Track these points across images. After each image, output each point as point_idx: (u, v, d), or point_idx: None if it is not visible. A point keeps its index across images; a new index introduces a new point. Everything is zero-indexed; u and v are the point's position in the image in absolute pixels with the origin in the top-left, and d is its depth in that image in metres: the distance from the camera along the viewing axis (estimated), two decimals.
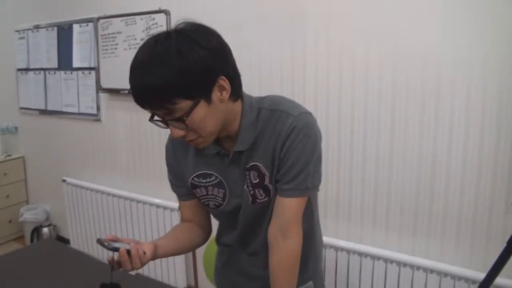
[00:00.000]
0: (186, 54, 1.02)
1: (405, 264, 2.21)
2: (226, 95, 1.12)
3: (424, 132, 2.13)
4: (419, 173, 2.18)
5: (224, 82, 1.10)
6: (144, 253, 1.18)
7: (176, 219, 3.03)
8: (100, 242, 1.12)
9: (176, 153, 1.37)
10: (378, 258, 2.29)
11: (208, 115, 1.10)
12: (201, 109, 1.08)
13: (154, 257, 1.24)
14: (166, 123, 1.12)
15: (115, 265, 1.15)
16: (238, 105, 1.21)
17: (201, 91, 1.07)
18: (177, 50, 1.02)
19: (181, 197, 1.43)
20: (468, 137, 2.04)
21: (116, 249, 1.12)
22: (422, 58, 2.08)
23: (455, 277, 2.10)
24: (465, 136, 2.04)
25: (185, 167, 1.35)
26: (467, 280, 2.07)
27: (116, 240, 1.17)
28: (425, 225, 2.21)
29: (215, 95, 1.10)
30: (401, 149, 2.21)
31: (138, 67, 1.05)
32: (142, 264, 1.18)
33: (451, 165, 2.09)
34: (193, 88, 1.05)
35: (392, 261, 2.25)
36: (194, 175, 1.33)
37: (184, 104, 1.05)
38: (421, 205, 2.20)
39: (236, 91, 1.17)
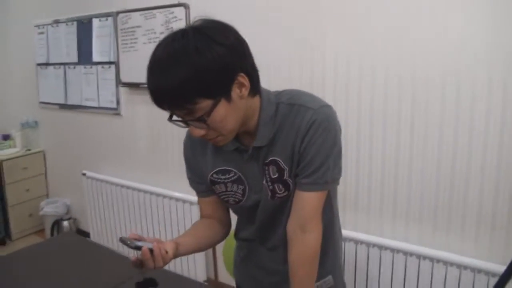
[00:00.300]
0: (204, 52, 1.00)
1: (425, 257, 2.20)
2: (245, 91, 1.10)
3: (444, 123, 2.11)
4: (439, 166, 2.16)
5: (243, 79, 1.08)
6: (166, 252, 1.16)
7: (195, 212, 3.04)
8: (122, 240, 1.11)
9: (194, 150, 1.36)
10: (398, 251, 2.28)
11: (228, 113, 1.08)
12: (222, 108, 1.06)
13: (176, 255, 1.23)
14: (186, 122, 1.11)
15: (138, 263, 1.14)
16: (256, 101, 1.19)
17: (221, 89, 1.05)
18: (195, 48, 1.00)
19: (200, 193, 1.42)
20: (488, 128, 2.01)
21: (138, 248, 1.11)
22: (441, 51, 2.06)
23: (475, 270, 2.09)
24: (485, 126, 2.02)
25: (204, 163, 1.34)
26: (487, 273, 2.06)
27: (138, 238, 1.16)
28: (445, 218, 2.19)
29: (235, 92, 1.08)
30: (421, 140, 2.19)
31: (156, 67, 1.03)
32: (165, 263, 1.17)
33: (471, 157, 2.07)
34: (213, 86, 1.03)
35: (412, 254, 2.24)
36: (213, 172, 1.31)
37: (204, 104, 1.03)
38: (441, 198, 2.18)
39: (255, 87, 1.15)
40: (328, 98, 2.31)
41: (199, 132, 1.11)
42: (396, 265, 2.28)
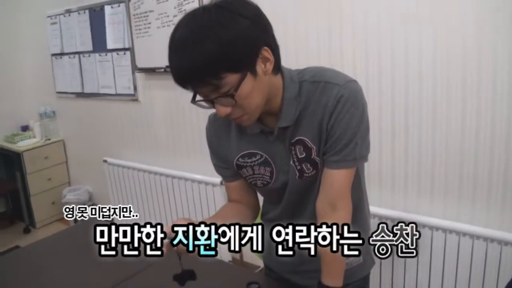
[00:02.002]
0: (229, 25, 0.99)
1: (451, 231, 2.18)
2: (270, 66, 1.09)
3: (467, 96, 2.08)
4: (463, 139, 2.13)
5: (267, 53, 1.07)
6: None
7: (218, 194, 3.07)
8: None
9: (218, 135, 1.35)
10: (424, 226, 2.26)
11: (254, 89, 1.07)
12: (248, 83, 1.05)
13: None
14: (211, 101, 1.09)
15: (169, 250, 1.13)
16: (279, 79, 1.18)
17: (247, 63, 1.04)
18: (219, 22, 0.99)
19: (226, 178, 1.41)
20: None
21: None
22: (461, 24, 2.03)
23: (501, 243, 2.06)
24: (508, 97, 1.99)
25: (228, 148, 1.33)
26: None
27: (188, 222, 1.12)
28: (470, 191, 2.17)
29: (259, 67, 1.07)
30: (444, 115, 2.16)
31: (180, 45, 1.02)
32: None
33: (495, 129, 2.04)
34: (239, 60, 1.02)
35: (437, 228, 2.23)
36: (238, 156, 1.30)
37: (231, 78, 1.02)
38: (465, 171, 2.15)
39: (278, 64, 1.14)
40: (347, 70, 2.32)
41: (224, 110, 1.09)
42: (422, 240, 2.25)
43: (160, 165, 3.47)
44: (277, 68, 1.15)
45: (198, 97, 1.10)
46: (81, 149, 4.36)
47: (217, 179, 3.02)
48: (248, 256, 3.11)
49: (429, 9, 2.10)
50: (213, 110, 1.15)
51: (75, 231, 2.38)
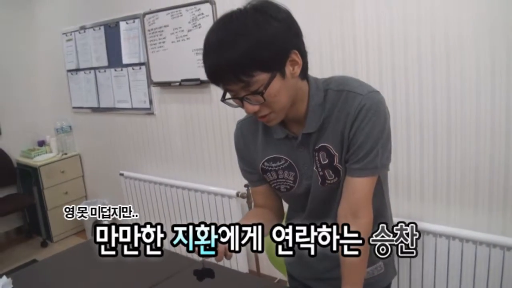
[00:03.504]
0: (264, 26, 1.05)
1: (454, 238, 2.18)
2: (298, 69, 1.14)
3: (481, 103, 2.08)
4: (492, 148, 2.11)
5: (296, 56, 1.12)
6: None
7: (234, 206, 3.08)
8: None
9: (245, 140, 1.40)
10: (428, 232, 2.27)
11: (281, 89, 1.12)
12: (277, 83, 1.09)
13: None
14: (240, 100, 1.13)
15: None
16: (305, 85, 1.22)
17: (277, 63, 1.09)
18: (254, 22, 1.05)
19: (252, 183, 1.45)
20: None
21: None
22: (473, 31, 2.03)
23: (504, 248, 2.06)
24: None
25: (255, 153, 1.37)
26: None
27: None
28: (501, 203, 2.14)
29: (288, 69, 1.12)
30: (473, 122, 2.14)
31: (216, 43, 1.07)
32: (228, 257, 1.16)
33: (493, 132, 2.06)
34: (271, 60, 1.07)
35: (441, 235, 2.24)
36: (264, 160, 1.34)
37: (261, 77, 1.07)
38: (496, 182, 2.13)
39: (305, 69, 1.18)
40: (374, 83, 2.33)
41: (252, 108, 1.13)
42: (452, 251, 2.25)
43: (176, 178, 3.50)
44: (304, 72, 1.19)
45: (227, 95, 1.15)
46: (98, 163, 4.40)
47: (233, 191, 3.04)
48: (265, 268, 3.11)
49: (444, 15, 2.11)
50: (240, 116, 1.19)
51: (92, 245, 2.38)
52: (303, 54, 1.15)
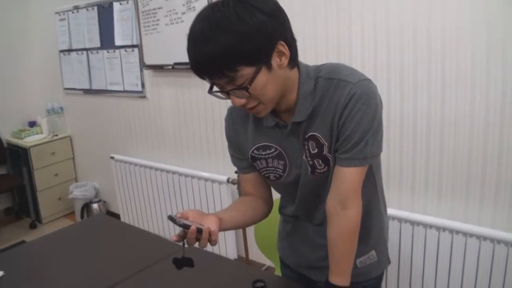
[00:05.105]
0: (246, 19, 1.01)
1: (471, 235, 2.14)
2: (285, 60, 1.11)
3: (476, 95, 2.07)
4: (486, 140, 2.10)
5: (283, 47, 1.09)
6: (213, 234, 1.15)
7: (224, 191, 3.07)
8: (171, 218, 1.12)
9: (235, 127, 1.38)
10: (430, 226, 2.25)
11: (268, 82, 1.09)
12: (263, 76, 1.07)
13: (219, 231, 1.22)
14: (226, 93, 1.11)
15: (180, 240, 1.15)
16: (295, 73, 1.19)
17: (262, 56, 1.06)
18: (236, 15, 1.01)
19: (241, 170, 1.43)
20: None
21: (186, 226, 1.12)
22: (470, 21, 2.01)
23: (508, 244, 2.04)
24: None
25: (245, 140, 1.35)
26: None
27: (186, 218, 1.16)
28: (492, 194, 2.13)
29: (275, 61, 1.09)
30: (467, 114, 2.12)
31: (198, 36, 1.04)
32: (213, 243, 1.16)
33: (503, 131, 2.03)
34: (255, 54, 1.04)
35: (444, 229, 2.22)
36: (254, 148, 1.33)
37: (246, 71, 1.04)
38: (489, 174, 2.12)
39: (294, 58, 1.15)
40: (368, 72, 2.29)
41: (239, 101, 1.11)
42: (442, 243, 2.24)
43: (167, 162, 3.48)
44: (293, 61, 1.16)
45: (214, 88, 1.12)
46: (88, 145, 4.37)
47: (223, 176, 3.02)
48: (254, 255, 3.10)
49: (441, 6, 2.08)
50: (229, 104, 1.17)
51: (81, 227, 2.39)
52: (291, 44, 1.12)
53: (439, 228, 2.23)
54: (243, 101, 1.11)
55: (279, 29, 1.07)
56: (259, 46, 1.04)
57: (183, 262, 1.20)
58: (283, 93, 1.17)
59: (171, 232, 1.06)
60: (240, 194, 1.49)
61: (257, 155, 1.33)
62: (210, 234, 1.14)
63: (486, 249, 2.11)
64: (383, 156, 1.28)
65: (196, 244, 1.16)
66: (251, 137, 1.33)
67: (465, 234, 2.16)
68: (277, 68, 1.10)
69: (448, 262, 2.24)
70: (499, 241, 2.08)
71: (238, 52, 1.02)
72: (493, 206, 2.14)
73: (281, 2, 1.14)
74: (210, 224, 1.16)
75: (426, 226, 2.27)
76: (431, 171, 2.29)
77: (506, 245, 2.06)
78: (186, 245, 1.17)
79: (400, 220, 2.35)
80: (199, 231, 1.13)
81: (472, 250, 2.15)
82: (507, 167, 2.06)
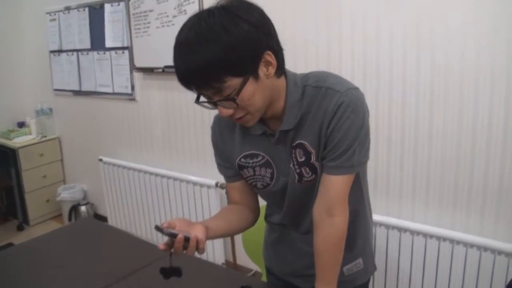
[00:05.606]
0: (231, 30, 1.00)
1: (458, 242, 2.15)
2: (272, 70, 1.10)
3: (464, 101, 2.08)
4: (473, 149, 2.10)
5: (269, 57, 1.08)
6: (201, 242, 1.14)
7: (212, 196, 3.06)
8: (158, 228, 1.11)
9: (222, 134, 1.37)
10: (418, 233, 2.26)
11: (256, 92, 1.09)
12: (250, 86, 1.07)
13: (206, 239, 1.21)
14: (213, 103, 1.10)
15: (168, 249, 1.14)
16: (282, 82, 1.19)
17: (249, 67, 1.05)
18: (222, 26, 1.00)
19: (228, 178, 1.42)
20: (508, 108, 1.97)
21: (173, 236, 1.11)
22: (460, 32, 2.02)
23: (509, 255, 2.03)
24: (505, 108, 1.98)
25: (232, 148, 1.34)
26: None
27: (172, 227, 1.15)
28: (479, 202, 2.14)
29: (262, 70, 1.08)
30: (455, 122, 2.13)
31: (184, 47, 1.03)
32: (201, 251, 1.15)
33: (491, 138, 2.04)
34: (241, 64, 1.03)
35: (431, 236, 2.22)
36: (241, 156, 1.32)
37: (233, 82, 1.04)
38: (476, 182, 2.13)
39: (281, 67, 1.15)
40: (357, 80, 2.30)
41: (227, 111, 1.11)
42: (428, 250, 2.25)
43: (156, 166, 3.46)
44: (280, 70, 1.16)
45: (202, 98, 1.12)
46: (77, 147, 4.34)
47: (212, 181, 3.01)
48: (242, 259, 3.09)
49: (428, 15, 2.09)
50: (216, 111, 1.16)
51: (69, 230, 2.37)
52: (278, 53, 1.12)
53: (426, 235, 2.24)
54: (230, 111, 1.11)
55: (265, 39, 1.07)
56: (246, 56, 1.03)
57: (170, 272, 1.19)
58: (270, 101, 1.17)
59: (158, 235, 1.05)
60: (228, 199, 1.49)
61: (244, 164, 1.32)
62: (197, 242, 1.13)
63: (473, 256, 2.12)
64: (370, 162, 1.28)
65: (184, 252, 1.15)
66: (238, 145, 1.32)
67: (452, 241, 2.17)
68: (264, 78, 1.10)
69: (435, 269, 2.24)
70: (485, 249, 2.08)
71: (225, 63, 1.01)
72: (480, 213, 2.15)
73: (272, 11, 1.14)
74: (197, 232, 1.15)
75: (413, 233, 2.27)
76: (418, 178, 2.29)
77: (493, 252, 2.07)
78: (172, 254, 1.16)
79: (388, 226, 2.34)
80: (187, 239, 1.12)
81: (458, 257, 2.16)
82: (494, 175, 2.07)
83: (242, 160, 1.32)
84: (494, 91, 1.99)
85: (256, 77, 1.07)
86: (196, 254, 1.15)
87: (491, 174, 2.08)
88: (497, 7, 1.92)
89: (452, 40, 2.05)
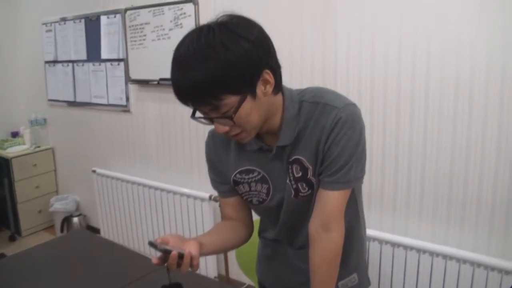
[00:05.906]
0: (230, 47, 1.00)
1: (451, 258, 2.15)
2: (269, 88, 1.10)
3: (458, 114, 2.09)
4: (467, 164, 2.11)
5: (268, 75, 1.08)
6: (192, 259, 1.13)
7: (206, 209, 3.05)
8: (151, 244, 1.11)
9: (217, 150, 1.36)
10: (411, 248, 2.26)
11: (253, 110, 1.09)
12: (247, 104, 1.06)
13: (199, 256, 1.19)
14: (210, 119, 1.10)
15: (161, 263, 1.13)
16: (279, 98, 1.19)
17: (247, 85, 1.05)
18: (221, 43, 1.00)
19: (222, 194, 1.41)
20: (501, 124, 1.99)
21: (168, 252, 1.10)
22: (455, 48, 2.04)
23: (502, 271, 2.03)
24: (498, 124, 2.00)
25: (227, 163, 1.33)
26: None
27: (166, 243, 1.14)
28: (473, 218, 2.15)
29: (259, 89, 1.08)
30: (449, 137, 2.15)
31: (182, 62, 1.03)
32: (195, 268, 1.14)
33: (484, 153, 2.05)
34: (239, 82, 1.03)
35: (424, 251, 2.22)
36: (236, 172, 1.31)
37: (230, 100, 1.03)
38: (469, 198, 2.14)
39: (278, 84, 1.15)
40: (352, 95, 2.30)
41: (223, 128, 1.11)
42: (422, 265, 2.24)
43: (149, 178, 3.44)
44: (278, 88, 1.16)
45: (198, 114, 1.11)
46: (70, 158, 4.32)
47: (206, 194, 3.00)
48: (234, 273, 3.08)
49: (423, 30, 2.11)
50: (212, 126, 1.16)
51: (61, 242, 2.36)
52: (276, 71, 1.11)
53: (420, 250, 2.24)
54: (226, 128, 1.11)
55: (264, 57, 1.07)
56: (244, 75, 1.03)
57: None
58: (267, 118, 1.17)
59: (151, 248, 1.04)
60: (221, 212, 1.48)
61: (239, 179, 1.31)
62: (191, 258, 1.12)
63: (466, 272, 2.12)
64: (364, 177, 1.28)
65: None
66: (233, 161, 1.32)
67: (445, 256, 2.17)
68: (262, 96, 1.10)
69: (428, 285, 2.24)
70: (479, 265, 2.08)
71: (223, 80, 1.00)
72: (474, 229, 2.15)
73: (268, 25, 1.14)
74: (191, 249, 1.13)
75: (407, 248, 2.28)
76: (412, 193, 2.30)
77: (486, 268, 2.07)
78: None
79: (381, 241, 2.34)
80: (180, 256, 1.11)
81: (452, 273, 2.16)
82: (487, 191, 2.08)
83: (238, 176, 1.31)
84: (488, 107, 2.01)
85: (254, 95, 1.07)
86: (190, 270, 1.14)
87: (485, 190, 2.09)
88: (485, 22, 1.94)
89: (448, 55, 2.07)
